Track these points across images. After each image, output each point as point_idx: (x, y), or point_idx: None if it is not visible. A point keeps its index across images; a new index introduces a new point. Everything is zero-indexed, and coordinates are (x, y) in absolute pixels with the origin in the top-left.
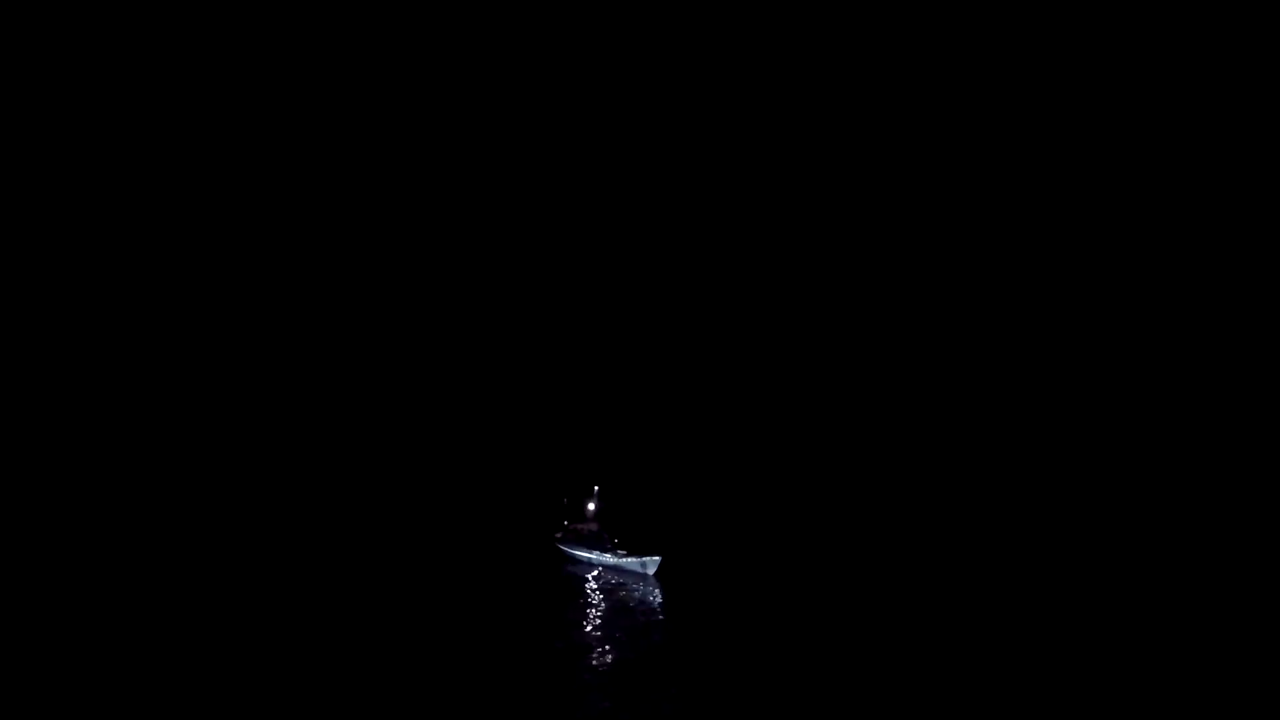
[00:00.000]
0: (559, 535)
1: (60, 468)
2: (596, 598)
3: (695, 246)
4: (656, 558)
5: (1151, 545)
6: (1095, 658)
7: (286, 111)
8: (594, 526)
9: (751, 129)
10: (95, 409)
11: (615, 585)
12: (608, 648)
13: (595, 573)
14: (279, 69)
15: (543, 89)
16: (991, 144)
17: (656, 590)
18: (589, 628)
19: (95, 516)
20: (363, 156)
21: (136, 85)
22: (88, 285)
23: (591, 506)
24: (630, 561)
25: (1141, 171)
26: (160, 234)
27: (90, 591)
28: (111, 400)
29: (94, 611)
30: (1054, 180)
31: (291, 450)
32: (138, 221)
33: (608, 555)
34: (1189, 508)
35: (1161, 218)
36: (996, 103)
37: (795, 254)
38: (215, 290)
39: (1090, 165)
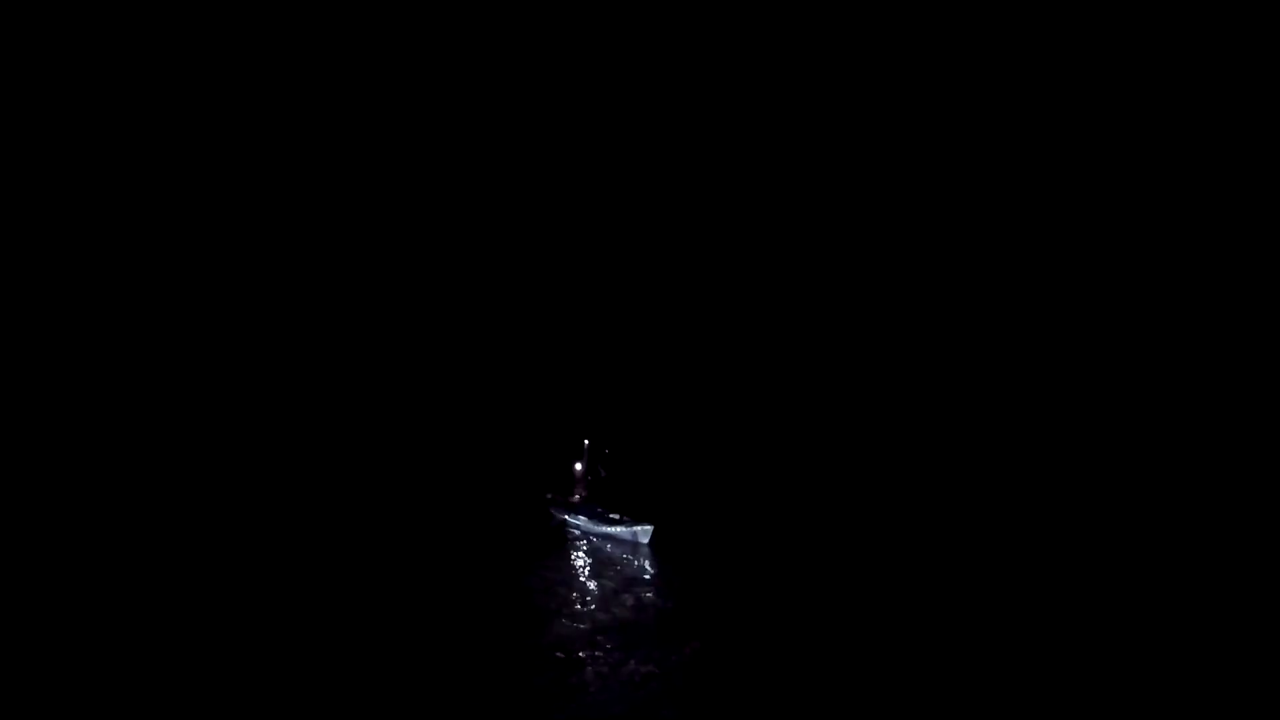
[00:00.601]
0: (549, 497)
1: (60, 467)
2: (583, 570)
3: (698, 202)
4: (649, 526)
5: (1151, 545)
6: (1095, 658)
7: (286, 111)
8: (582, 489)
9: (751, 128)
10: (94, 407)
11: (605, 555)
12: (592, 629)
13: (584, 541)
14: (279, 68)
15: (542, 87)
16: (991, 144)
17: (649, 561)
18: (572, 605)
19: (94, 515)
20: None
21: (136, 85)
22: (87, 284)
23: (579, 467)
24: (621, 530)
25: (1141, 171)
26: (159, 233)
27: (89, 591)
28: (111, 398)
29: (93, 611)
30: (1054, 180)
31: (268, 421)
32: (138, 221)
33: (598, 523)
34: (1189, 508)
35: (1161, 218)
36: (996, 103)
37: (802, 233)
38: (211, 285)
39: (1090, 165)
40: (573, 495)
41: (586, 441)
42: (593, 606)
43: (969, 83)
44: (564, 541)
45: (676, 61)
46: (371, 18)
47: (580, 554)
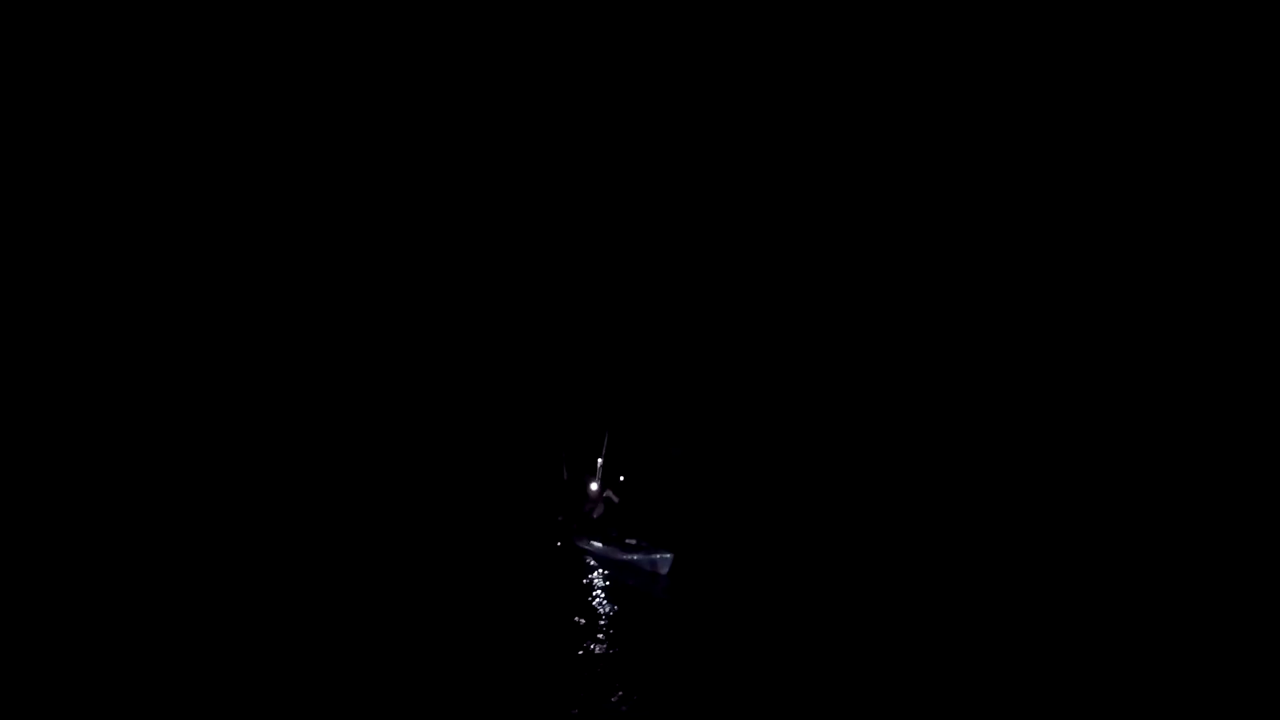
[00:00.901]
0: (560, 519)
1: (59, 467)
2: (594, 599)
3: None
4: (668, 555)
5: (1152, 545)
6: (1096, 658)
7: (286, 111)
8: (598, 511)
9: (751, 128)
10: (94, 408)
11: (619, 583)
12: (599, 661)
13: (597, 566)
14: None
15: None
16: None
17: (666, 591)
18: (578, 635)
19: (94, 516)
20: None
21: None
22: (87, 285)
23: (594, 487)
24: (639, 559)
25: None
26: (159, 233)
27: (88, 591)
28: (111, 399)
29: (93, 612)
30: (1054, 180)
31: (275, 432)
32: (137, 221)
33: (613, 549)
34: (1189, 508)
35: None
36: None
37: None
38: (213, 288)
39: (1090, 165)
40: (585, 515)
41: (600, 460)
42: (601, 637)
43: (969, 82)
44: (576, 566)
45: (680, 63)
46: (372, 18)
47: (592, 579)
